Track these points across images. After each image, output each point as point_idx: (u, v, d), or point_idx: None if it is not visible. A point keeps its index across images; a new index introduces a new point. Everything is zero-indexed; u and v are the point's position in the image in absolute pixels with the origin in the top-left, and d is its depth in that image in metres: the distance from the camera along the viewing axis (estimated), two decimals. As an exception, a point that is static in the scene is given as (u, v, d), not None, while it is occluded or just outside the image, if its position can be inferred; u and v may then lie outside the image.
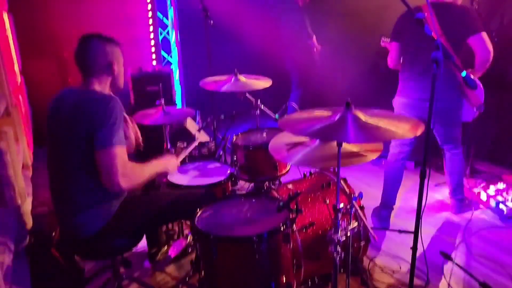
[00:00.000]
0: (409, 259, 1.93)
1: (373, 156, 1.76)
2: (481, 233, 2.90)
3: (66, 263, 2.30)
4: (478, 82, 2.74)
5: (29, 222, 2.57)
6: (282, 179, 2.81)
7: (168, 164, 2.10)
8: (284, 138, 1.99)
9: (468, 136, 3.08)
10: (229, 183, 2.51)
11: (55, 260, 2.29)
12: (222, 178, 2.45)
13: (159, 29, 5.30)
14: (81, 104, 1.82)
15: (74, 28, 4.53)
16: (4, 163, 2.35)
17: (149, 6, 5.17)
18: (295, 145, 1.90)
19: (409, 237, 2.00)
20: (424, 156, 1.79)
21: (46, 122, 1.95)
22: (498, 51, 2.81)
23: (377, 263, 2.58)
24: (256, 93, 2.77)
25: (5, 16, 3.68)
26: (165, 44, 5.40)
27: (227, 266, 1.79)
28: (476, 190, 3.35)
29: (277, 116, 2.90)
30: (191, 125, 3.07)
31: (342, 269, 2.23)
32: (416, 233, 1.87)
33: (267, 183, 2.76)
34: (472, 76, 2.67)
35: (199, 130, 3.15)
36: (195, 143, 2.57)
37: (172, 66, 5.44)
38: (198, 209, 1.97)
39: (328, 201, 2.23)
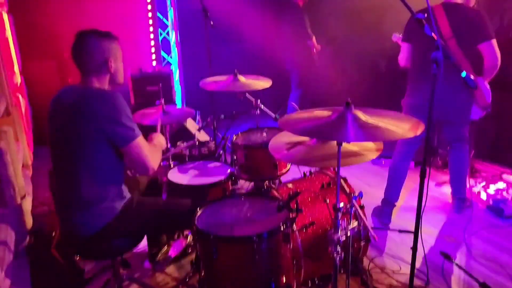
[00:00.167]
0: (409, 259, 1.93)
1: (373, 156, 1.76)
2: (481, 233, 2.90)
3: (66, 263, 2.30)
4: (486, 83, 2.76)
5: (29, 221, 2.57)
6: (282, 179, 2.81)
7: (162, 143, 2.24)
8: (284, 137, 1.99)
9: (469, 136, 3.09)
10: (229, 182, 2.51)
11: (55, 260, 2.29)
12: (222, 177, 2.45)
13: (159, 29, 5.30)
14: (82, 102, 1.81)
15: (74, 28, 4.53)
16: (4, 163, 2.35)
17: (149, 7, 5.18)
18: (295, 144, 1.90)
19: (409, 237, 2.01)
20: (424, 156, 1.79)
21: (46, 121, 1.94)
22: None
23: (377, 263, 2.58)
24: (256, 93, 2.77)
25: (5, 16, 3.68)
26: (165, 45, 5.41)
27: (227, 266, 1.79)
28: (476, 190, 3.35)
29: (277, 115, 2.90)
30: (191, 125, 3.07)
31: (342, 269, 2.22)
32: (416, 233, 1.87)
33: (267, 182, 2.76)
34: (472, 77, 2.68)
35: (199, 130, 3.16)
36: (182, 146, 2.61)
37: (172, 67, 5.44)
38: (198, 209, 1.97)
39: (328, 201, 2.23)
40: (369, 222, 2.47)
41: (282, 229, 1.79)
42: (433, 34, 1.68)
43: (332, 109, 1.71)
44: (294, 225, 1.96)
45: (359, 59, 4.78)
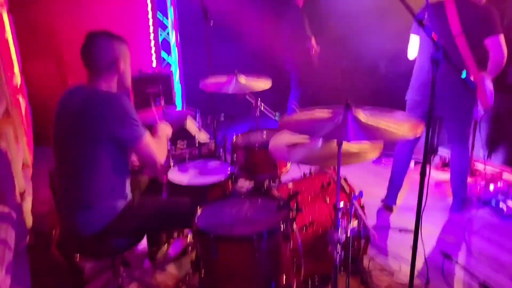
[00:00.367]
0: (409, 258, 1.93)
1: (373, 155, 1.76)
2: (481, 233, 2.90)
3: (66, 263, 2.30)
4: (489, 84, 2.75)
5: (30, 221, 2.57)
6: (282, 178, 2.81)
7: (168, 132, 2.27)
8: (284, 137, 1.99)
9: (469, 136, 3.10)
10: (229, 182, 2.51)
11: (55, 259, 2.28)
12: (222, 177, 2.45)
13: (159, 29, 5.30)
14: (90, 103, 1.82)
15: (74, 29, 4.54)
16: (4, 163, 2.35)
17: (149, 7, 5.18)
18: (295, 144, 1.90)
19: (409, 237, 2.01)
20: (424, 156, 1.79)
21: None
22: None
23: (377, 262, 2.58)
24: (256, 93, 2.77)
25: (5, 16, 3.68)
26: (165, 45, 5.41)
27: (227, 266, 1.79)
28: (476, 189, 3.35)
29: (277, 116, 2.90)
30: (191, 125, 3.07)
31: (342, 269, 2.22)
32: (416, 232, 1.87)
33: (267, 182, 2.76)
34: (472, 78, 2.68)
35: (199, 130, 3.15)
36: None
37: (172, 67, 5.45)
38: (198, 209, 1.97)
39: (328, 200, 2.23)
40: (369, 222, 2.47)
41: (282, 228, 1.79)
42: (433, 34, 1.67)
43: (332, 109, 1.71)
44: (294, 224, 1.96)
45: (359, 59, 4.78)
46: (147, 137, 1.91)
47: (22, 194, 2.54)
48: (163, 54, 5.40)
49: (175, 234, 2.77)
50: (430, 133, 1.74)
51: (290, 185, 2.39)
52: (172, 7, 5.28)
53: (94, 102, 1.83)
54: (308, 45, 4.86)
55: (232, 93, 2.68)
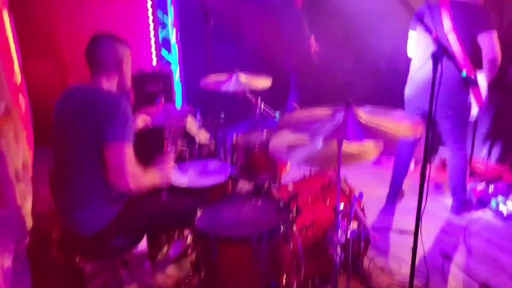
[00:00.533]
0: (409, 259, 1.93)
1: (374, 156, 1.75)
2: (481, 234, 2.90)
3: (66, 263, 2.30)
4: (483, 81, 2.74)
5: (29, 222, 2.57)
6: (282, 179, 2.81)
7: (166, 174, 2.06)
8: (285, 137, 1.99)
9: (467, 136, 3.09)
10: (229, 183, 2.51)
11: (55, 260, 2.28)
12: (222, 178, 2.44)
13: (159, 28, 5.29)
14: (89, 101, 1.85)
15: (75, 27, 4.53)
16: (4, 163, 2.35)
17: (149, 6, 5.17)
18: (295, 144, 1.90)
19: (409, 238, 2.00)
20: (424, 156, 1.78)
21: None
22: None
23: (377, 263, 2.58)
24: (256, 92, 2.77)
25: (5, 15, 3.68)
26: (165, 44, 5.40)
27: (227, 266, 1.79)
28: (476, 190, 3.35)
29: (277, 115, 2.89)
30: (191, 125, 3.07)
31: (342, 269, 2.22)
32: (416, 233, 1.87)
33: (267, 183, 2.76)
34: (472, 77, 2.68)
35: (199, 129, 3.15)
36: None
37: (172, 66, 5.44)
38: (198, 210, 1.96)
39: (328, 202, 2.23)
40: (369, 223, 2.47)
41: (282, 229, 1.79)
42: (433, 33, 1.67)
43: (332, 109, 1.71)
44: (294, 225, 1.96)
45: (359, 59, 4.77)
46: (127, 146, 1.79)
47: (22, 194, 2.54)
48: (163, 53, 5.40)
49: (176, 235, 2.77)
50: (430, 133, 1.74)
51: (290, 186, 2.39)
52: (172, 6, 5.27)
53: (95, 101, 1.85)
54: (307, 45, 4.86)
55: (232, 92, 2.68)
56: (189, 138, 3.18)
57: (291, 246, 1.88)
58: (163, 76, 4.64)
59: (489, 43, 2.61)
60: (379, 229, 2.95)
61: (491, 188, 3.34)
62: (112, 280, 2.24)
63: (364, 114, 1.63)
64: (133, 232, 2.01)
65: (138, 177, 1.83)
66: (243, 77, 2.75)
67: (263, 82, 2.76)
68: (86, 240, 1.90)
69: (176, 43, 5.38)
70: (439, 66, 1.66)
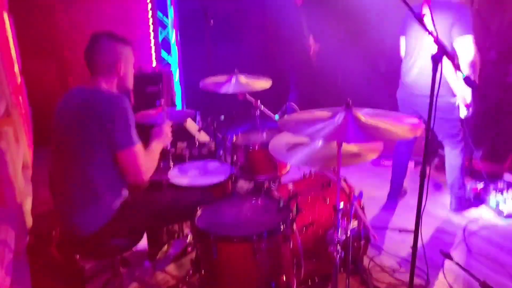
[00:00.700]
0: (409, 258, 1.93)
1: (373, 156, 1.76)
2: (481, 233, 2.90)
3: (66, 263, 2.31)
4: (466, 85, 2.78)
5: (29, 221, 2.57)
6: (282, 179, 2.81)
7: (164, 139, 2.15)
8: (284, 138, 1.99)
9: (468, 136, 3.10)
10: (229, 182, 2.51)
11: (55, 260, 2.29)
12: (222, 177, 2.45)
13: (159, 29, 5.30)
14: (90, 103, 1.85)
15: (75, 28, 4.54)
16: (4, 163, 2.35)
17: (149, 6, 5.17)
18: (295, 145, 1.90)
19: (409, 237, 2.01)
20: (424, 156, 1.79)
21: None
22: (498, 51, 2.81)
23: (377, 262, 2.58)
24: (256, 93, 2.77)
25: (5, 16, 3.68)
26: (165, 44, 5.40)
27: (227, 266, 1.79)
28: (476, 190, 3.35)
29: (277, 116, 2.90)
30: (191, 125, 3.07)
31: (342, 269, 2.23)
32: (416, 232, 1.87)
33: (267, 182, 2.76)
34: (472, 77, 2.68)
35: (199, 130, 3.16)
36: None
37: (172, 67, 5.44)
38: (198, 209, 1.97)
39: (328, 201, 2.23)
40: (369, 222, 2.47)
41: (282, 229, 1.79)
42: (433, 33, 1.68)
43: (332, 110, 1.71)
44: (294, 225, 1.96)
45: (359, 59, 4.78)
46: (137, 148, 1.86)
47: (22, 194, 2.54)
48: (163, 54, 5.40)
49: (176, 235, 2.77)
50: (429, 133, 1.74)
51: (290, 185, 2.39)
52: (172, 7, 5.28)
53: (95, 102, 1.84)
54: (306, 45, 4.86)
55: (232, 93, 2.68)
56: (189, 138, 3.19)
57: (291, 245, 1.89)
58: (163, 77, 4.65)
59: (466, 47, 2.63)
60: (379, 228, 2.95)
61: (490, 187, 3.35)
62: (112, 279, 2.24)
63: (364, 115, 1.63)
64: (132, 230, 2.01)
65: (150, 168, 1.94)
66: (242, 79, 2.75)
67: (262, 84, 2.76)
68: (86, 240, 1.90)
69: (176, 44, 5.38)
70: (439, 67, 1.66)
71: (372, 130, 1.56)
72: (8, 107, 2.95)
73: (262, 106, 2.85)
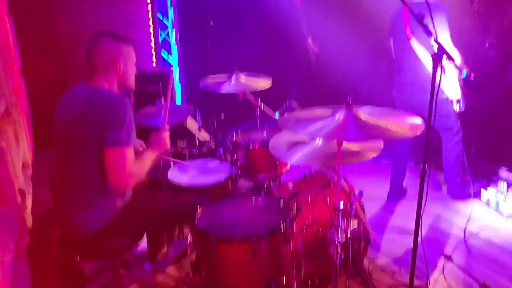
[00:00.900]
0: (409, 259, 1.93)
1: (373, 155, 1.76)
2: (481, 234, 2.89)
3: (66, 263, 2.30)
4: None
5: (30, 221, 2.56)
6: (282, 178, 2.81)
7: (161, 147, 2.08)
8: (284, 137, 1.99)
9: (468, 136, 3.12)
10: (229, 182, 2.51)
11: (55, 260, 2.28)
12: (222, 177, 2.44)
13: (159, 29, 5.30)
14: (91, 102, 1.84)
15: (75, 28, 4.54)
16: (4, 163, 2.34)
17: (149, 7, 5.17)
18: (295, 144, 1.90)
19: (409, 237, 2.00)
20: (424, 156, 1.78)
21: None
22: (498, 51, 2.80)
23: (377, 263, 2.58)
24: (256, 92, 2.77)
25: (6, 16, 3.68)
26: (165, 44, 5.40)
27: (227, 266, 1.79)
28: (476, 190, 3.35)
29: (277, 114, 2.90)
30: (192, 125, 3.07)
31: (342, 269, 2.22)
32: (416, 233, 1.87)
33: (267, 181, 2.76)
34: (472, 78, 2.69)
35: (199, 130, 3.15)
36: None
37: (172, 67, 5.44)
38: (198, 209, 1.97)
39: (328, 201, 2.23)
40: (368, 223, 2.47)
41: (282, 229, 1.79)
42: (432, 33, 1.68)
43: (332, 108, 1.71)
44: (294, 225, 1.96)
45: (358, 59, 4.77)
46: (127, 150, 1.80)
47: (22, 194, 2.53)
48: (163, 54, 5.40)
49: (176, 235, 2.76)
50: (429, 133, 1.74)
51: (290, 185, 2.39)
52: (172, 7, 5.28)
53: (96, 100, 1.84)
54: (306, 45, 4.87)
55: (232, 92, 2.68)
56: (189, 138, 3.18)
57: (291, 246, 1.88)
58: (163, 77, 4.64)
59: (447, 44, 2.69)
60: (379, 229, 2.94)
61: (491, 187, 3.34)
62: (112, 280, 2.24)
63: (364, 114, 1.63)
64: (132, 231, 2.01)
65: (137, 175, 1.85)
66: (242, 78, 2.75)
67: (262, 83, 2.76)
68: (86, 240, 1.90)
69: (176, 44, 5.38)
70: (439, 67, 1.66)
71: (372, 129, 1.56)
72: (8, 107, 2.94)
73: (262, 104, 2.85)
